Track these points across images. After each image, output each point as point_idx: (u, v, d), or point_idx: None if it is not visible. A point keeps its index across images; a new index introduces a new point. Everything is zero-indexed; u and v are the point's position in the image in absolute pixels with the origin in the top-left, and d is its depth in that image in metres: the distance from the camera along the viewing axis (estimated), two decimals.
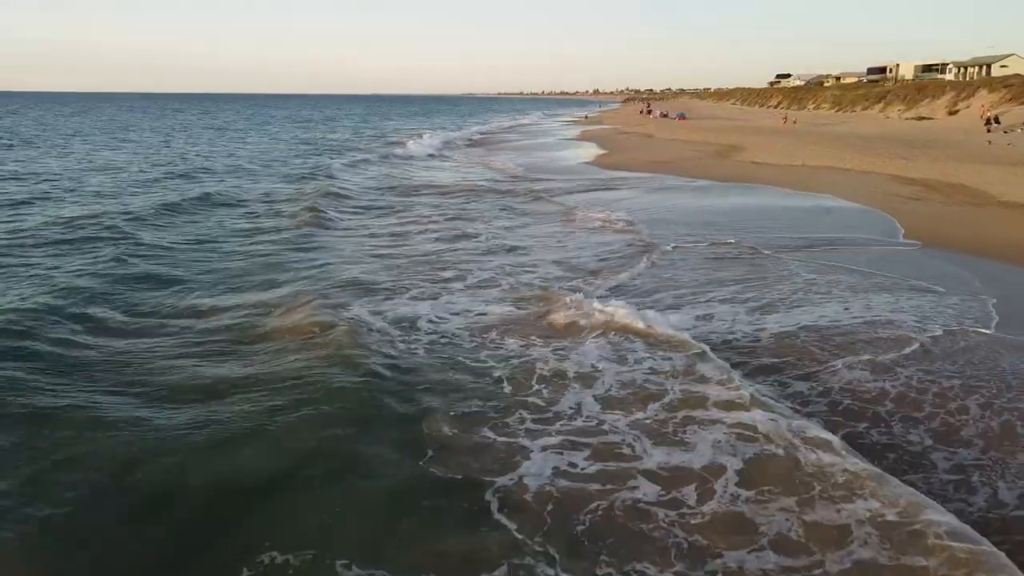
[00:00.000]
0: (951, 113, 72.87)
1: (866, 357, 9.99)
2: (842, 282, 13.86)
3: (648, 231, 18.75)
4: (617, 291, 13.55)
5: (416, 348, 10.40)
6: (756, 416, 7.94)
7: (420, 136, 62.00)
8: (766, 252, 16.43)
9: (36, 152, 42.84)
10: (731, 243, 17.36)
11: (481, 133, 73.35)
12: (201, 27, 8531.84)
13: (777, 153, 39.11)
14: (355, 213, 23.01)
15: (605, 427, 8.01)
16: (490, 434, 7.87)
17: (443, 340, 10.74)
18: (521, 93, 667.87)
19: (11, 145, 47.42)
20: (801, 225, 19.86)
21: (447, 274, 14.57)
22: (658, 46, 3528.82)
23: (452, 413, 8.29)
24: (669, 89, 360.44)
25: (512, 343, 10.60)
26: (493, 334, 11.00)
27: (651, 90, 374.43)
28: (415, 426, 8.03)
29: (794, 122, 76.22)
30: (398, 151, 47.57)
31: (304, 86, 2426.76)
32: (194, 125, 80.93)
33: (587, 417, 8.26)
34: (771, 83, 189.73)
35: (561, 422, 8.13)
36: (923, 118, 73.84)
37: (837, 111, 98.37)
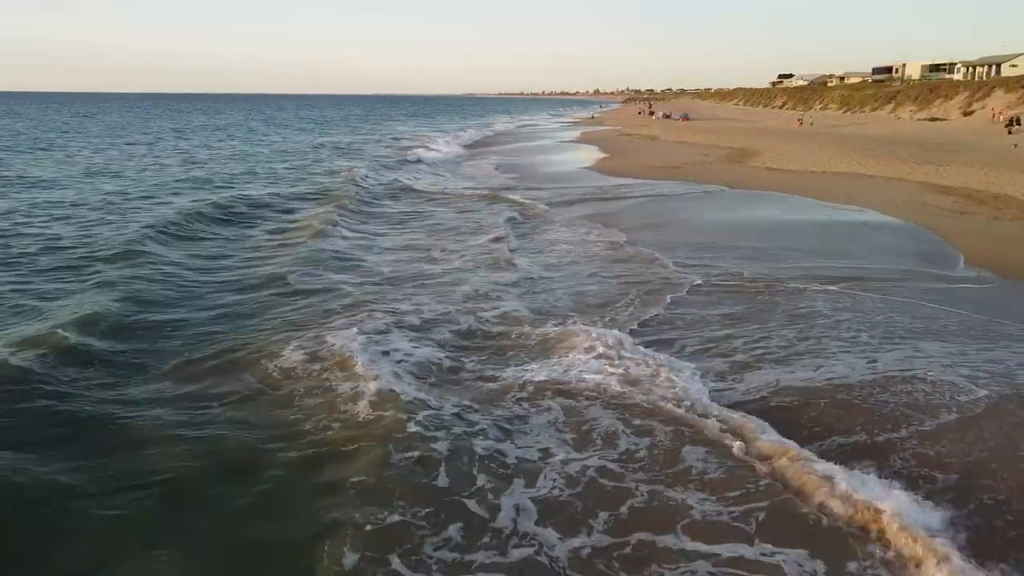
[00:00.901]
0: (966, 114, 70.16)
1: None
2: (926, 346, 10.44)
3: (668, 259, 15.53)
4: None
5: None
6: None
7: (433, 141, 58.22)
8: (814, 288, 13.20)
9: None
10: (765, 276, 14.07)
11: (487, 137, 68.85)
12: (201, 27, 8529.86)
13: (794, 157, 36.31)
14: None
15: None
16: None
17: None
18: (521, 93, 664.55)
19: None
20: (842, 247, 16.73)
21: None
22: (658, 46, 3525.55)
23: None
24: (670, 89, 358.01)
25: None
26: None
27: (651, 90, 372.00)
28: None
29: (810, 123, 73.59)
30: (411, 156, 44.34)
31: (304, 86, 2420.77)
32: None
33: None
34: (773, 83, 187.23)
35: None
36: (936, 119, 71.19)
37: (845, 112, 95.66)
